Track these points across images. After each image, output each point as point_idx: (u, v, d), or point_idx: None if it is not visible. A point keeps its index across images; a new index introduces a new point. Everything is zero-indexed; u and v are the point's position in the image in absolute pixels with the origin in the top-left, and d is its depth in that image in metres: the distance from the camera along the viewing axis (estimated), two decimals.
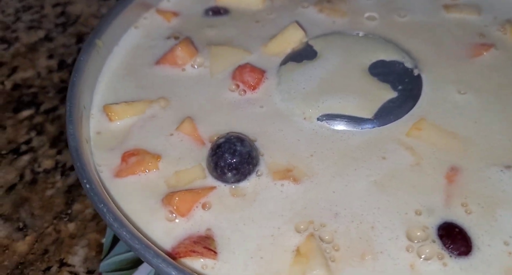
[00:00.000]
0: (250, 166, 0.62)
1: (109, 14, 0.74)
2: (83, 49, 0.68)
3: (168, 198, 0.59)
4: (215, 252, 0.55)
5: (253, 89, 0.70)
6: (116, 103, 0.68)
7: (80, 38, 1.10)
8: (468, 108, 0.68)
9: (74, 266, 0.76)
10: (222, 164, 0.61)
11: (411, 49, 0.75)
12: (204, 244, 0.55)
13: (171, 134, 0.66)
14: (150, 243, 0.51)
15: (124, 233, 0.51)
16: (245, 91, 0.70)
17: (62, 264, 0.76)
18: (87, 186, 0.54)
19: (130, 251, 0.77)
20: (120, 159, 0.63)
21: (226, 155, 0.61)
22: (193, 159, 0.64)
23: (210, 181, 0.62)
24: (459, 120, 0.66)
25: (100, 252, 0.76)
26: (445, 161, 0.63)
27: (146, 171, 0.62)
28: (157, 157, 0.63)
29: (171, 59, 0.74)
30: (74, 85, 0.64)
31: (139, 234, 0.51)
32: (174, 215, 0.59)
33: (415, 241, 0.56)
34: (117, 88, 0.72)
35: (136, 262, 0.76)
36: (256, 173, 0.62)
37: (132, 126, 0.67)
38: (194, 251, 0.54)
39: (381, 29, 0.78)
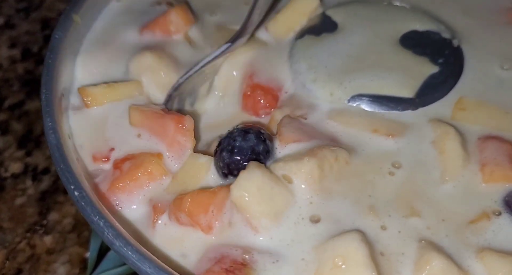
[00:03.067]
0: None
1: None
2: (58, 25, 0.58)
3: (176, 203, 0.48)
4: None
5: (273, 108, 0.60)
6: (94, 85, 0.58)
7: (46, 24, 1.01)
8: None
9: None
10: (221, 164, 0.53)
11: (444, 17, 0.66)
12: (241, 273, 0.44)
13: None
14: (165, 265, 0.39)
15: (130, 253, 0.39)
16: None
17: None
18: (76, 193, 0.42)
19: (120, 265, 0.69)
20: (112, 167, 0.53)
21: (224, 154, 0.53)
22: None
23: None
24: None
25: (84, 269, 0.70)
26: None
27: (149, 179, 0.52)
28: (158, 155, 0.53)
29: (163, 24, 0.64)
30: (50, 68, 0.53)
31: (151, 254, 0.40)
32: (193, 227, 0.47)
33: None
34: (99, 70, 0.62)
35: None
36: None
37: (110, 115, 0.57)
38: None
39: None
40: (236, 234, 0.49)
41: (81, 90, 0.57)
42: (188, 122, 0.53)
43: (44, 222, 0.74)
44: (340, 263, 0.45)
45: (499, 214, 0.50)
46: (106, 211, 0.42)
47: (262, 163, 0.52)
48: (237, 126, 0.55)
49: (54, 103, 0.50)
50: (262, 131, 0.54)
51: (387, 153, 0.54)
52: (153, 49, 0.60)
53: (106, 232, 0.41)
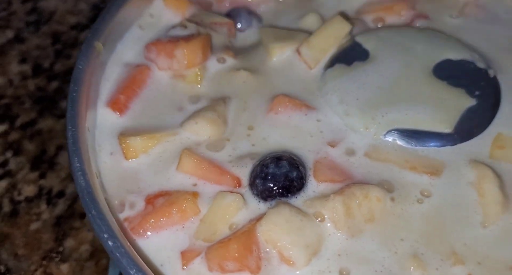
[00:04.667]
0: (283, 191, 0.52)
1: (110, 8, 0.60)
2: (81, 54, 0.54)
3: (220, 252, 0.46)
4: None
5: None
6: (134, 135, 0.54)
7: (57, 38, 0.98)
8: None
9: None
10: (255, 192, 0.52)
11: (476, 46, 0.63)
12: None
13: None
14: None
15: None
16: None
17: None
18: (110, 243, 0.40)
19: None
20: (144, 202, 0.50)
21: (257, 181, 0.52)
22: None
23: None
24: None
25: None
26: None
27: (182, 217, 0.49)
28: (194, 194, 0.50)
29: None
30: (75, 102, 0.50)
31: None
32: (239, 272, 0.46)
33: None
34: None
35: None
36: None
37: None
38: None
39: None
40: (275, 269, 0.48)
41: (122, 140, 0.54)
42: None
43: (60, 249, 0.71)
44: None
45: None
46: (143, 262, 0.40)
47: (295, 190, 0.52)
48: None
49: (81, 140, 0.48)
50: (294, 157, 0.53)
51: (420, 186, 0.52)
52: (205, 111, 0.57)
53: None
